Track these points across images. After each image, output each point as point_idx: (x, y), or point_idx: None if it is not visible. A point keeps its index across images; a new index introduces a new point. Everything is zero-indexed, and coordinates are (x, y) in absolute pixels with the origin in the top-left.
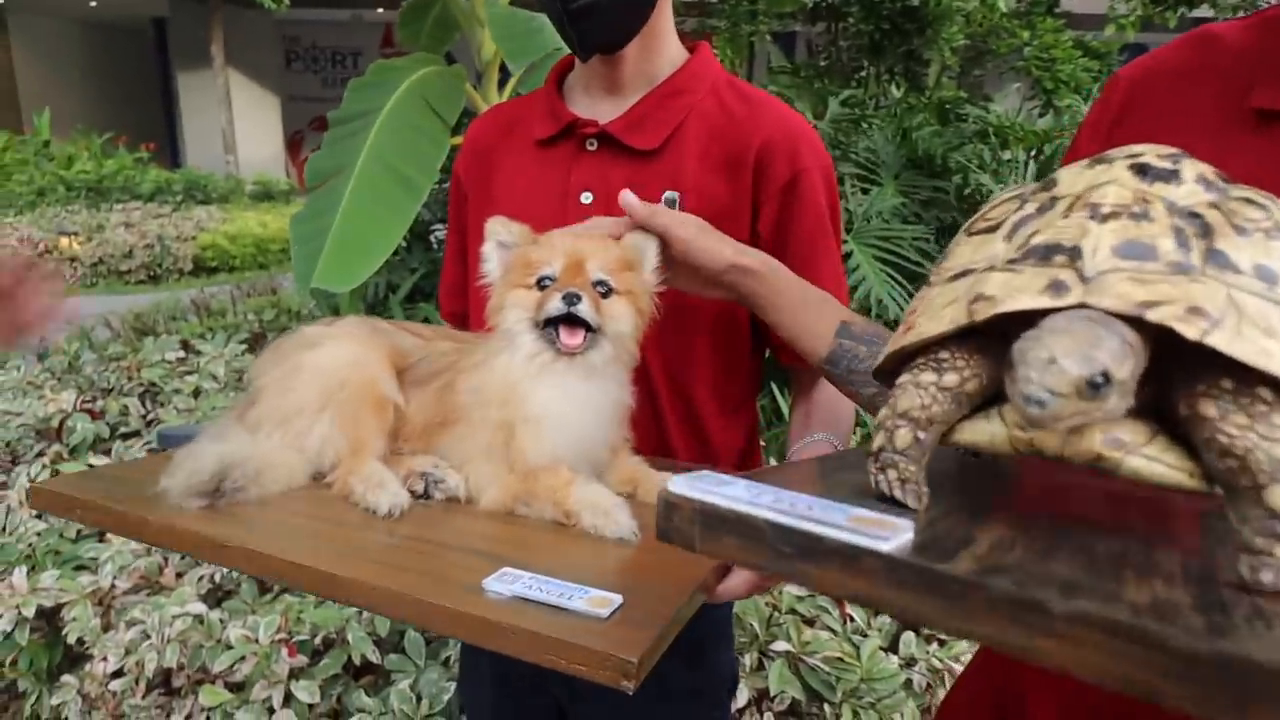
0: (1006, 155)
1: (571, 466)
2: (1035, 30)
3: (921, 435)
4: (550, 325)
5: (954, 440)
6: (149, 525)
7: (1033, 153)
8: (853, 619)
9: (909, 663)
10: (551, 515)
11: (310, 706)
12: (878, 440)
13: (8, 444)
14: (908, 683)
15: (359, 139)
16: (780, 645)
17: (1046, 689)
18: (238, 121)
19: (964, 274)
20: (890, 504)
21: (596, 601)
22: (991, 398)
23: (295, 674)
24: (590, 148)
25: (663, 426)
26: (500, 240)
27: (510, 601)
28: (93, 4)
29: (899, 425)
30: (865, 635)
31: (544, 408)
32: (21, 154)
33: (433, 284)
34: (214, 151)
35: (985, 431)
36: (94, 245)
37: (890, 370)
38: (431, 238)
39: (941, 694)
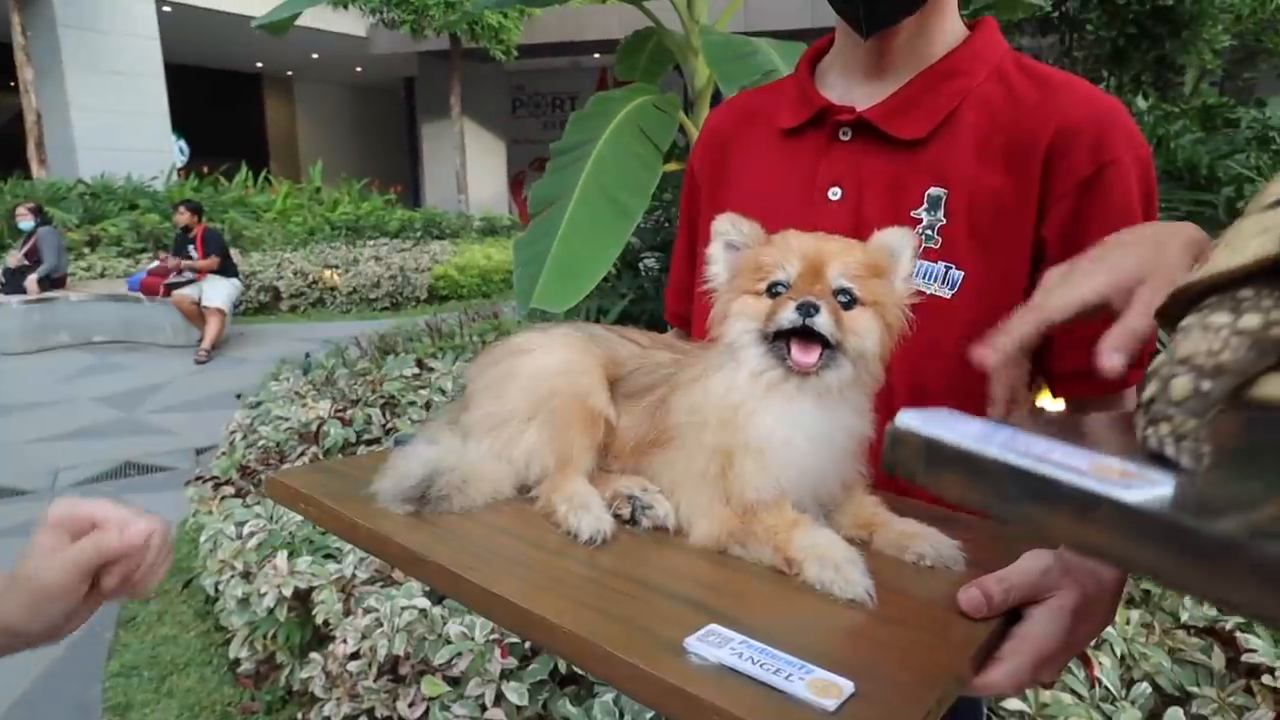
0: None
1: (797, 505)
2: None
3: (1206, 385)
4: (781, 339)
5: (1254, 396)
6: (359, 529)
7: None
8: (1101, 683)
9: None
10: (770, 561)
11: (519, 708)
12: (1149, 389)
13: (278, 444)
14: None
15: (578, 167)
16: (1013, 704)
17: None
18: (469, 164)
19: None
20: (1161, 464)
21: (821, 687)
22: None
23: (506, 675)
24: (844, 137)
25: None
26: (729, 240)
27: (715, 670)
28: (359, 70)
29: (1177, 373)
30: (1115, 704)
31: (768, 435)
32: (298, 199)
33: (641, 309)
34: (449, 192)
35: None
36: (350, 276)
37: (1175, 314)
38: (641, 265)
39: None
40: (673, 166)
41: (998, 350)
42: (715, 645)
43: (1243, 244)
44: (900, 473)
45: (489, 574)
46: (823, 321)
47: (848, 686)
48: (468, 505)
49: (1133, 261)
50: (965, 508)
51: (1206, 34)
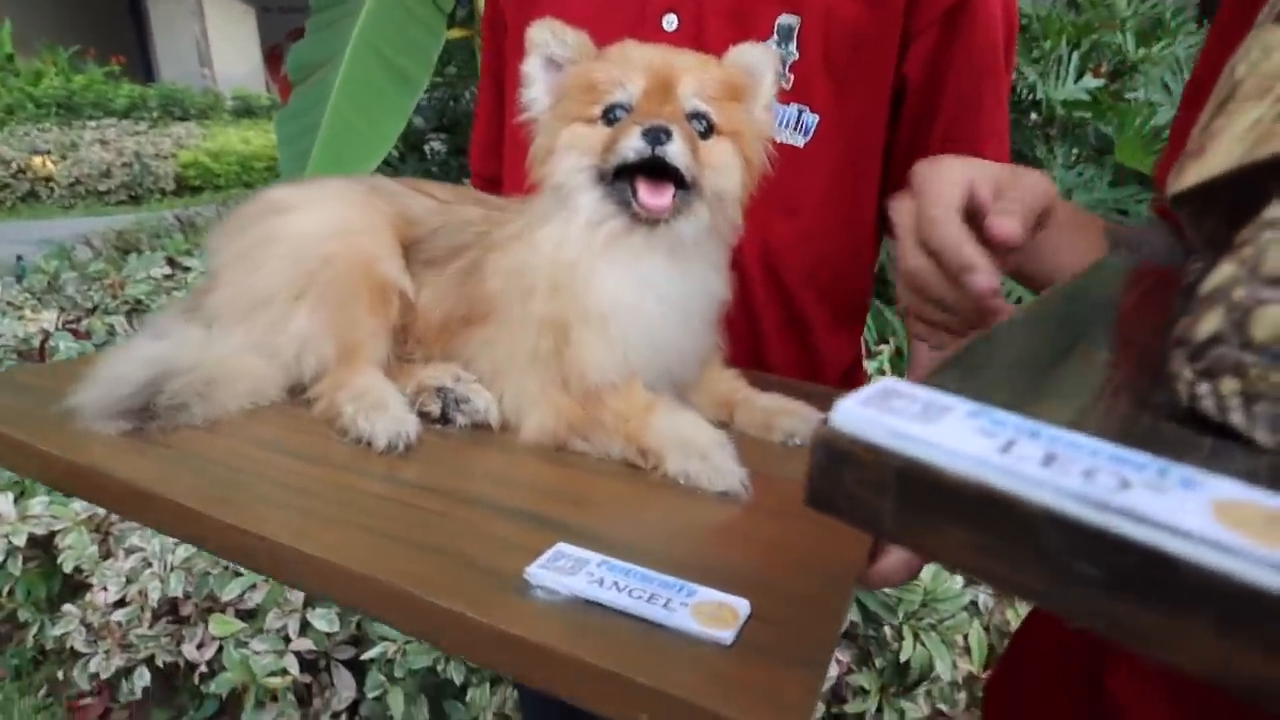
0: None
1: (649, 385)
2: None
3: None
4: (623, 177)
5: None
6: (54, 463)
7: None
8: None
9: (973, 581)
10: (621, 454)
11: (329, 635)
12: (1206, 324)
13: None
14: (973, 604)
15: (345, 25)
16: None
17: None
18: (212, 34)
19: None
20: (1216, 434)
21: (710, 612)
22: None
23: (311, 602)
24: None
25: (757, 331)
26: (550, 54)
27: (568, 605)
28: None
29: (1263, 298)
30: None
31: (612, 300)
32: None
33: None
34: (188, 65)
35: None
36: (69, 164)
37: (1204, 204)
38: (427, 148)
39: (1011, 615)
40: (457, 33)
41: (1014, 218)
42: (566, 572)
43: None
44: (845, 513)
45: (245, 506)
46: (676, 151)
47: (742, 607)
48: (214, 415)
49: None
50: (977, 577)
51: None
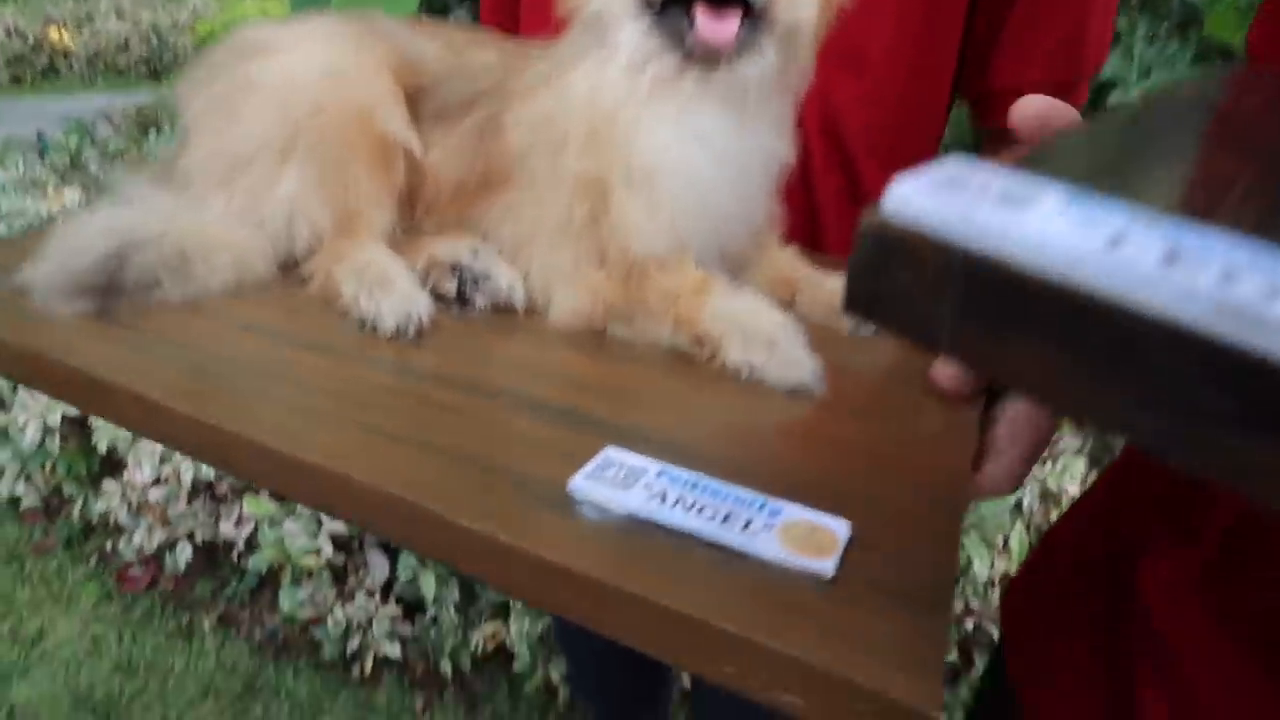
0: None
1: (700, 259)
2: None
3: None
4: (677, 3)
5: None
6: (2, 349)
7: None
8: None
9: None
10: (670, 341)
11: None
12: None
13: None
14: (1017, 505)
15: None
16: None
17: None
18: None
19: None
20: None
21: (803, 535)
22: None
23: None
24: None
25: (813, 204)
26: None
27: (623, 527)
28: None
29: None
30: None
31: (660, 156)
32: None
33: None
34: None
35: None
36: (86, 38)
37: None
38: (451, 17)
39: (1054, 517)
40: None
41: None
42: (618, 484)
43: None
44: (894, 320)
45: (224, 401)
46: None
47: (840, 529)
48: (192, 293)
49: None
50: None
51: None
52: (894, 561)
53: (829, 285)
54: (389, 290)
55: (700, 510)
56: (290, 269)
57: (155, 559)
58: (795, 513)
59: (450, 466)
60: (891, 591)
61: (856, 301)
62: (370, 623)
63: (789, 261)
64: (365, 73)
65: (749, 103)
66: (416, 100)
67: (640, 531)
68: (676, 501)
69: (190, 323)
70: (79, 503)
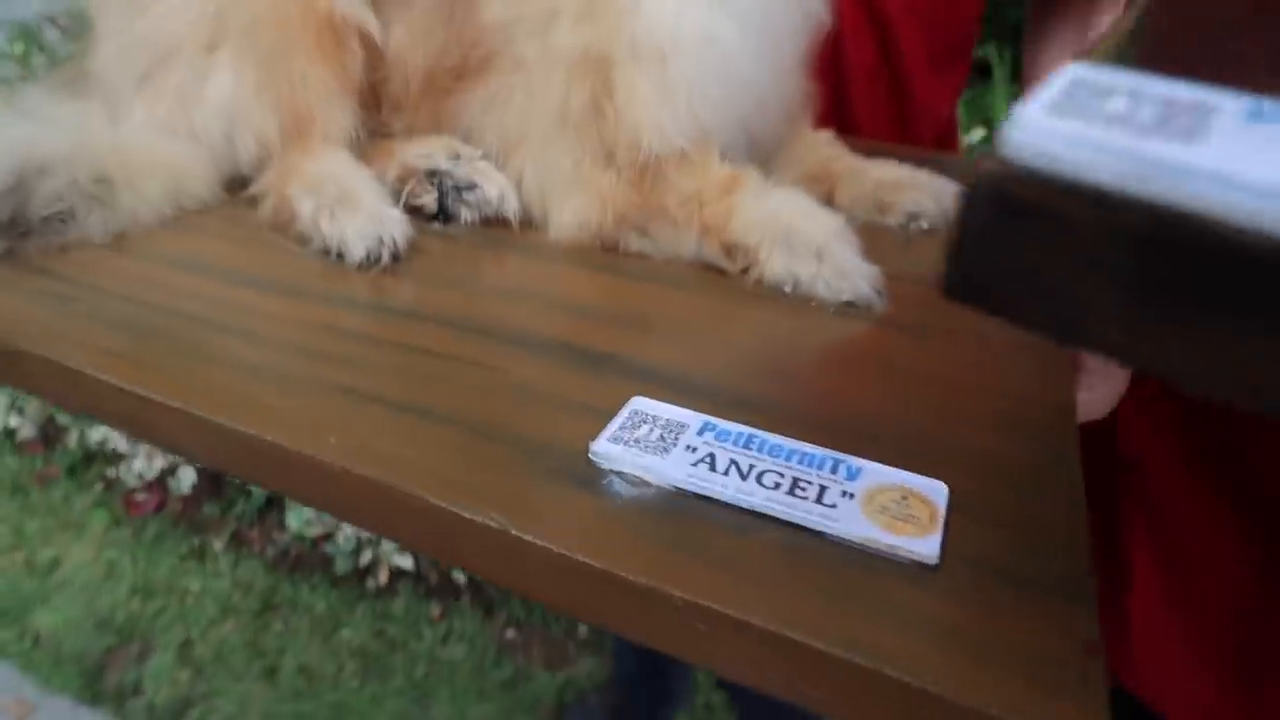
0: None
1: (726, 151)
2: None
3: None
4: None
5: None
6: None
7: None
8: None
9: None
10: (695, 253)
11: None
12: None
13: None
14: None
15: None
16: None
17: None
18: None
19: None
20: None
21: (890, 504)
22: None
23: None
24: None
25: (843, 74)
26: None
27: (666, 507)
28: None
29: None
30: None
31: (673, 24)
32: None
33: None
34: None
35: None
36: None
37: None
38: None
39: None
40: None
41: None
42: (653, 446)
43: None
44: (1021, 307)
45: (158, 363)
46: None
47: (938, 493)
48: (119, 226)
49: None
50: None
51: None
52: (1008, 534)
53: (875, 175)
54: (354, 209)
55: (760, 477)
56: (237, 190)
57: (159, 483)
58: (879, 473)
59: (440, 433)
60: (1015, 577)
61: (964, 285)
62: (379, 537)
63: (825, 149)
64: None
65: None
66: None
67: (688, 510)
68: (730, 466)
69: (117, 264)
70: (75, 432)
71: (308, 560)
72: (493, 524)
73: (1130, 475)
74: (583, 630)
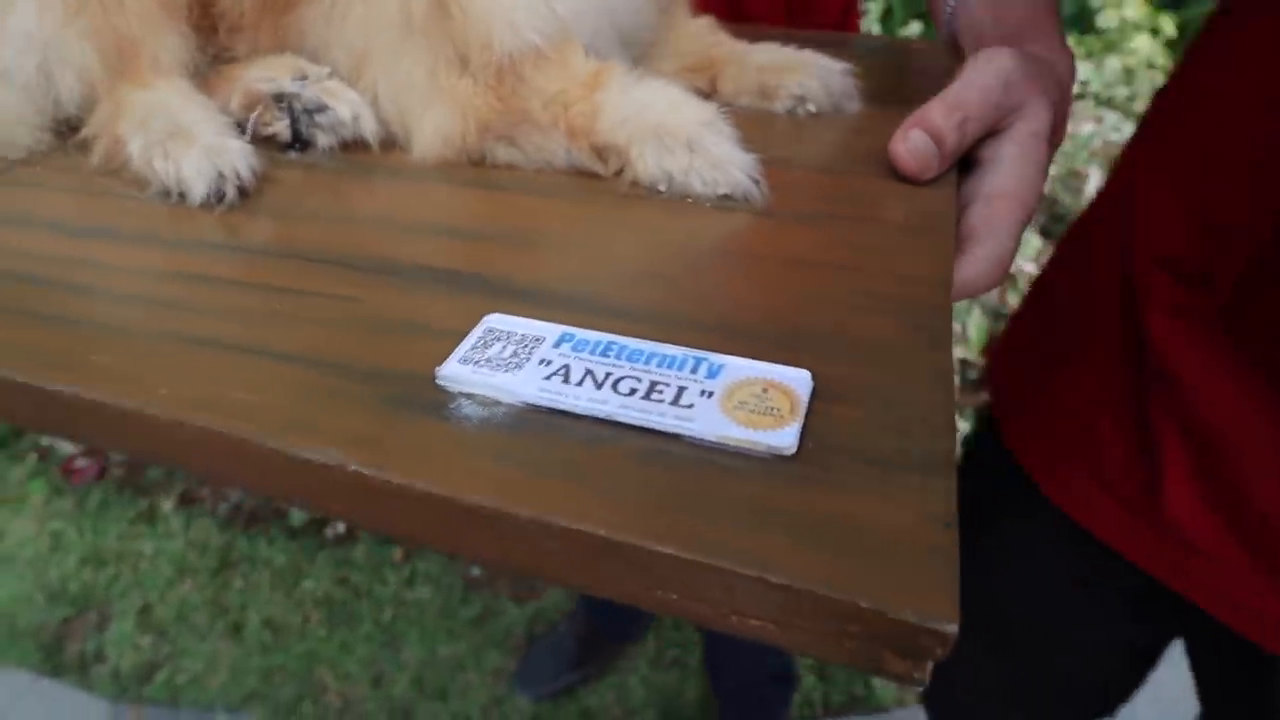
0: None
1: (592, 48)
2: None
3: None
4: None
5: None
6: None
7: None
8: None
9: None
10: (566, 160)
11: None
12: None
13: None
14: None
15: None
16: None
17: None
18: None
19: None
20: None
21: (749, 398)
22: None
23: None
24: None
25: None
26: None
27: (516, 426)
28: None
29: None
30: None
31: None
32: None
33: None
34: None
35: None
36: None
37: None
38: None
39: (1012, 297)
40: None
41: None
42: (505, 364)
43: None
44: None
45: None
46: None
47: (800, 381)
48: None
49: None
50: None
51: None
52: (871, 414)
53: (757, 59)
54: (188, 143)
55: (617, 384)
56: (69, 135)
57: (98, 449)
58: (740, 368)
59: (284, 373)
60: (872, 457)
61: None
62: None
63: (705, 37)
64: None
65: None
66: None
67: (540, 426)
68: (585, 377)
69: None
70: None
71: (262, 514)
72: (331, 461)
73: (1164, 387)
74: None
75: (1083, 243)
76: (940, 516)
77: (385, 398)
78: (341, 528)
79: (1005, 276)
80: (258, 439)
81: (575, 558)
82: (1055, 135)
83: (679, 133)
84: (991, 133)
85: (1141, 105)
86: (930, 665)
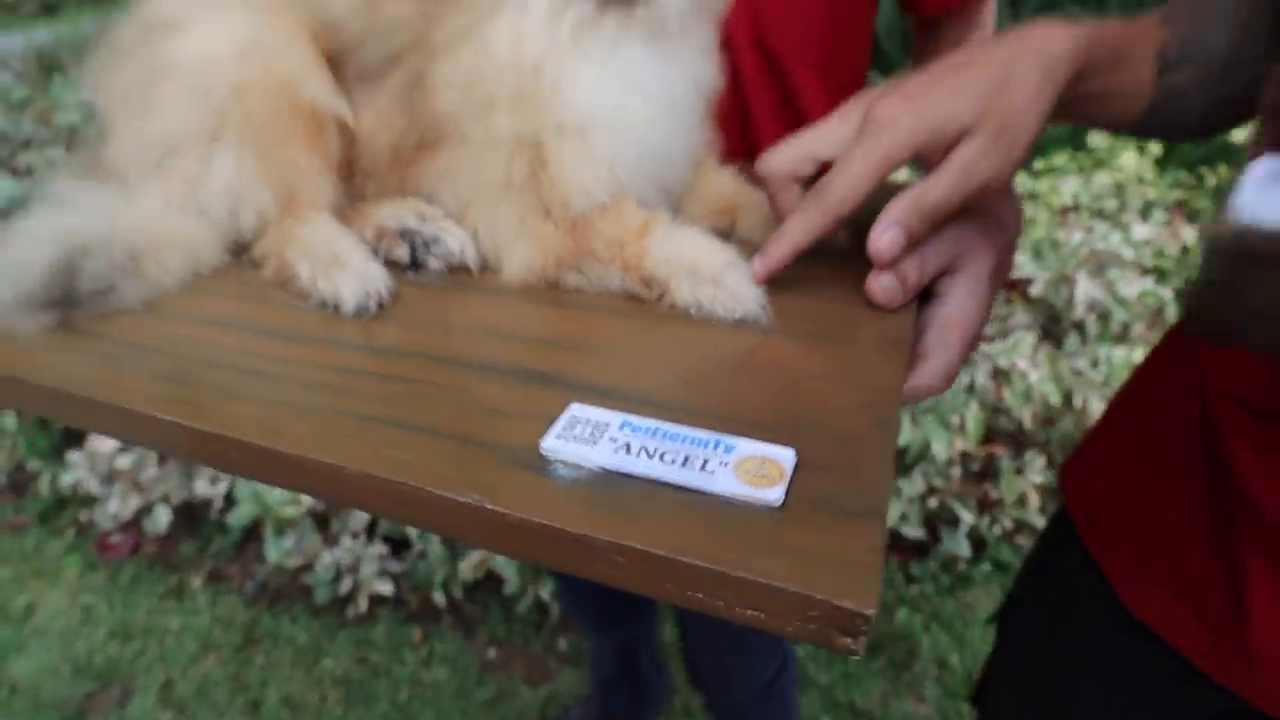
0: None
1: (641, 199)
2: None
3: None
4: None
5: None
6: None
7: None
8: None
9: (969, 362)
10: (620, 286)
11: None
12: None
13: None
14: (970, 385)
15: None
16: None
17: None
18: None
19: None
20: None
21: (754, 468)
22: None
23: None
24: None
25: (748, 120)
26: None
27: (596, 481)
28: None
29: None
30: None
31: (590, 105)
32: None
33: None
34: None
35: None
36: None
37: None
38: None
39: (1008, 395)
40: None
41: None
42: (585, 440)
43: None
44: (1258, 338)
45: (203, 401)
46: None
47: (786, 458)
48: (150, 294)
49: (963, 101)
50: None
51: None
52: (835, 480)
53: (768, 207)
54: (344, 269)
55: (663, 457)
56: (240, 252)
57: (134, 524)
58: (747, 447)
59: (428, 442)
60: (833, 508)
61: (1208, 324)
62: (359, 564)
63: (728, 184)
64: (281, 42)
65: (672, 34)
66: (337, 63)
67: (610, 483)
68: (640, 451)
69: (153, 325)
70: (46, 477)
71: (287, 592)
72: (473, 502)
73: (1249, 516)
74: (562, 645)
75: (1161, 369)
76: (872, 547)
77: (500, 460)
78: (363, 606)
79: (952, 382)
80: (427, 488)
81: (637, 569)
82: (997, 275)
83: (708, 271)
84: (945, 271)
85: (1129, 217)
86: (864, 640)
